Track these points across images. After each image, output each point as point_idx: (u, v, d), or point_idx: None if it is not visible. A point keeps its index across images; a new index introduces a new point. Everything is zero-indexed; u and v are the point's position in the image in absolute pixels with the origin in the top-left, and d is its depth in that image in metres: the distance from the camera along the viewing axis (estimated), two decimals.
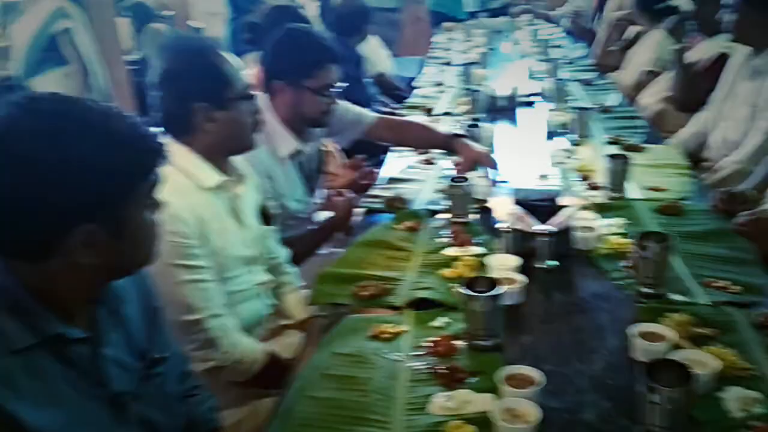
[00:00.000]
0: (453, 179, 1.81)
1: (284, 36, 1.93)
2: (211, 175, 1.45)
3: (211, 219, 1.42)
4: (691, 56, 2.93)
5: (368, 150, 2.96)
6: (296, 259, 1.83)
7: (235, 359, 1.41)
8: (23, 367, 0.85)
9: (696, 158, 2.35)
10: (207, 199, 1.43)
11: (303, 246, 1.96)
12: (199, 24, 5.65)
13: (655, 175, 2.04)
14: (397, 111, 3.24)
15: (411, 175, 2.21)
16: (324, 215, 2.21)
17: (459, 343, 1.24)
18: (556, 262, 1.50)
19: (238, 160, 1.56)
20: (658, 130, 2.67)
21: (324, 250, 2.09)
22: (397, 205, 1.94)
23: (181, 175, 1.41)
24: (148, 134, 0.95)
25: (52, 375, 0.88)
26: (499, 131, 2.56)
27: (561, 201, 1.80)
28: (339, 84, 1.94)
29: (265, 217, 1.69)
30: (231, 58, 1.50)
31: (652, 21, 3.51)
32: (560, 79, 3.04)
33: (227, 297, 1.45)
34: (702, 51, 2.87)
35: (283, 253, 1.78)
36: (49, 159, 0.84)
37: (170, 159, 1.40)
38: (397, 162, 2.37)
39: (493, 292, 1.20)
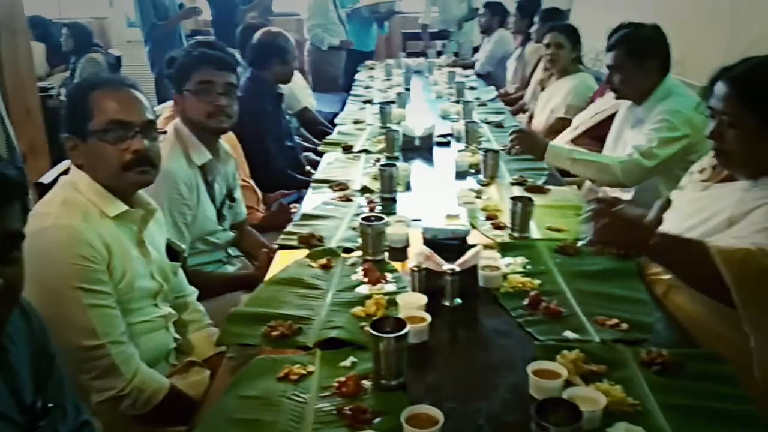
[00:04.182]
0: (364, 218, 1.84)
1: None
2: (113, 205, 1.45)
3: (115, 247, 1.41)
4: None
5: (285, 185, 2.98)
6: (203, 297, 1.82)
7: (137, 387, 1.38)
8: None
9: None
10: (111, 228, 1.43)
11: (214, 290, 1.98)
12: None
13: (556, 216, 2.14)
14: (318, 147, 3.27)
15: (327, 212, 2.22)
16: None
17: (366, 382, 1.26)
18: (460, 301, 1.56)
19: (144, 195, 1.56)
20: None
21: None
22: (311, 243, 1.95)
23: (88, 202, 1.42)
24: None
25: None
26: (414, 170, 2.64)
27: (469, 240, 1.88)
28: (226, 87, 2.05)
29: (173, 253, 1.67)
30: (137, 95, 1.50)
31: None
32: (472, 121, 3.17)
33: (129, 329, 1.44)
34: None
35: (192, 290, 1.76)
36: None
37: (77, 186, 1.42)
38: (314, 198, 2.39)
39: (397, 333, 1.23)
